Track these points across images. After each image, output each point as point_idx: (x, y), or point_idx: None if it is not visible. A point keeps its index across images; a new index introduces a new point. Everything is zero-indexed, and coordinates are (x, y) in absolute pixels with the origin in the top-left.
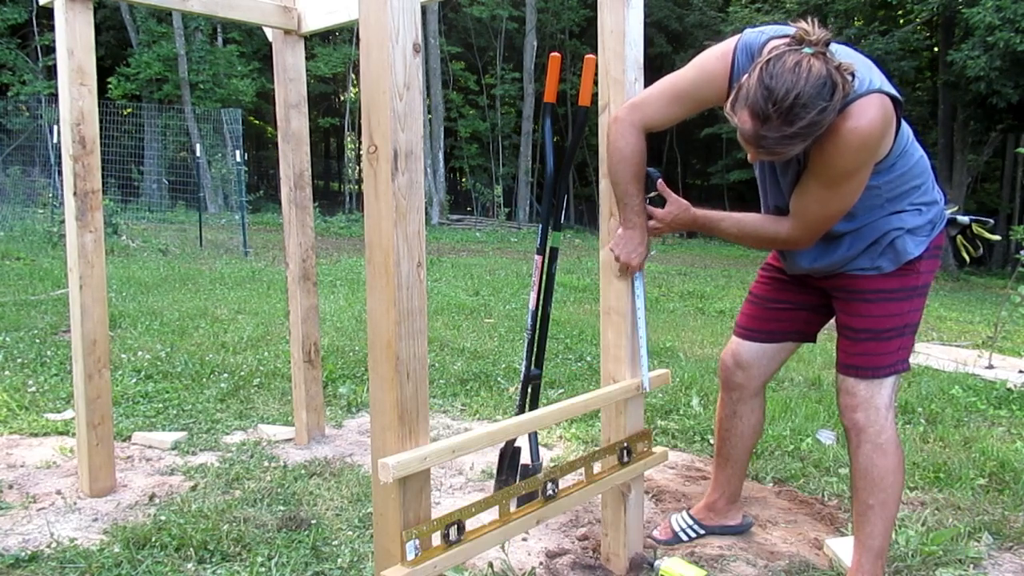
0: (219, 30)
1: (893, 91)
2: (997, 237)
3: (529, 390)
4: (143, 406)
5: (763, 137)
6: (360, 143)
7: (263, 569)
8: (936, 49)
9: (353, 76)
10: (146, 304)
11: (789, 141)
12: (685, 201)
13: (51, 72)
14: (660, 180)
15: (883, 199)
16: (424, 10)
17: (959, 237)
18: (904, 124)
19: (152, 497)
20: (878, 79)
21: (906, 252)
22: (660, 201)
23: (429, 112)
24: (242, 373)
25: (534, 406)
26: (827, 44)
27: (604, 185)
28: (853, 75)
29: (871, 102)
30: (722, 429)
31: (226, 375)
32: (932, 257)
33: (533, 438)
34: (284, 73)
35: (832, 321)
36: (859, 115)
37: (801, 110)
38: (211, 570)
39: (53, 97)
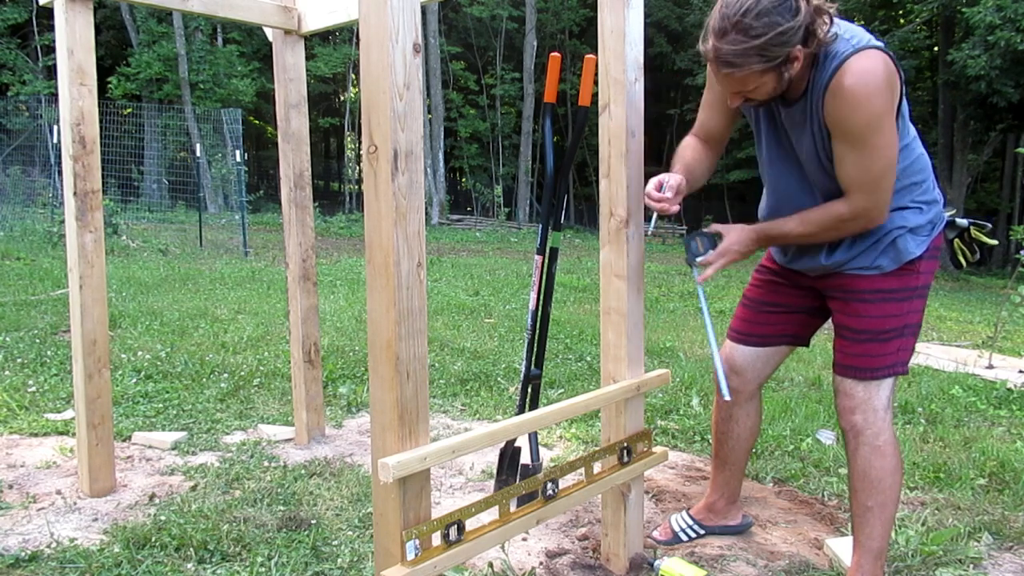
0: (219, 30)
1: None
2: (995, 242)
3: (529, 390)
4: (143, 406)
5: (720, 49)
6: (360, 143)
7: (263, 569)
8: (936, 49)
9: (353, 76)
10: (146, 304)
11: (746, 56)
12: (738, 224)
13: (51, 72)
14: (712, 225)
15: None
16: (424, 10)
17: (956, 241)
18: (908, 122)
19: (152, 497)
20: (875, 41)
21: (907, 251)
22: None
23: (429, 112)
24: (242, 373)
25: (534, 406)
26: None
27: (604, 185)
28: (831, 19)
29: (867, 54)
30: (719, 432)
31: (226, 375)
32: (932, 258)
33: (533, 438)
34: (284, 73)
35: (829, 320)
36: (857, 67)
37: (756, 20)
38: (211, 570)
39: (53, 97)
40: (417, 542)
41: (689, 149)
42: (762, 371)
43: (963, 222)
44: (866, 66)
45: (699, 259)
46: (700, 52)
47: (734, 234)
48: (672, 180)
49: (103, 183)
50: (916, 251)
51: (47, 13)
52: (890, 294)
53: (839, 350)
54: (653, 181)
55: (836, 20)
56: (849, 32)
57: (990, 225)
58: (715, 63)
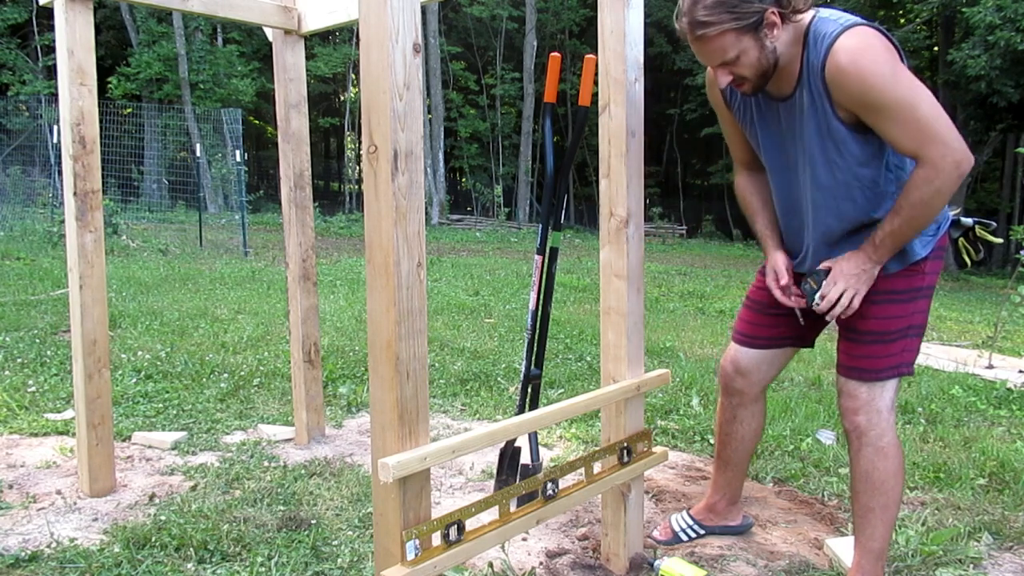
0: (219, 30)
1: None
2: (1000, 240)
3: (529, 390)
4: (143, 406)
5: (692, 14)
6: (360, 143)
7: (263, 569)
8: (936, 49)
9: (353, 76)
10: (146, 304)
11: (716, 11)
12: (839, 258)
13: (51, 72)
14: (823, 263)
15: (902, 183)
16: (424, 10)
17: (961, 240)
18: None
19: (152, 497)
20: (863, 21)
21: (913, 252)
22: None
23: (429, 112)
24: (242, 373)
25: (534, 406)
26: None
27: (604, 185)
28: None
29: (854, 31)
30: (722, 433)
31: (226, 375)
32: (937, 258)
33: (533, 438)
34: (284, 73)
35: (833, 321)
36: (847, 44)
37: None
38: (211, 570)
39: (53, 97)
40: (417, 542)
41: (749, 191)
42: (767, 373)
43: (968, 221)
44: (856, 41)
45: (816, 295)
46: (678, 32)
47: (842, 261)
48: (781, 273)
49: (103, 183)
50: (922, 252)
51: (47, 13)
52: (895, 295)
53: (843, 351)
54: (770, 281)
55: (822, 8)
56: (836, 15)
57: (994, 224)
58: (690, 31)
